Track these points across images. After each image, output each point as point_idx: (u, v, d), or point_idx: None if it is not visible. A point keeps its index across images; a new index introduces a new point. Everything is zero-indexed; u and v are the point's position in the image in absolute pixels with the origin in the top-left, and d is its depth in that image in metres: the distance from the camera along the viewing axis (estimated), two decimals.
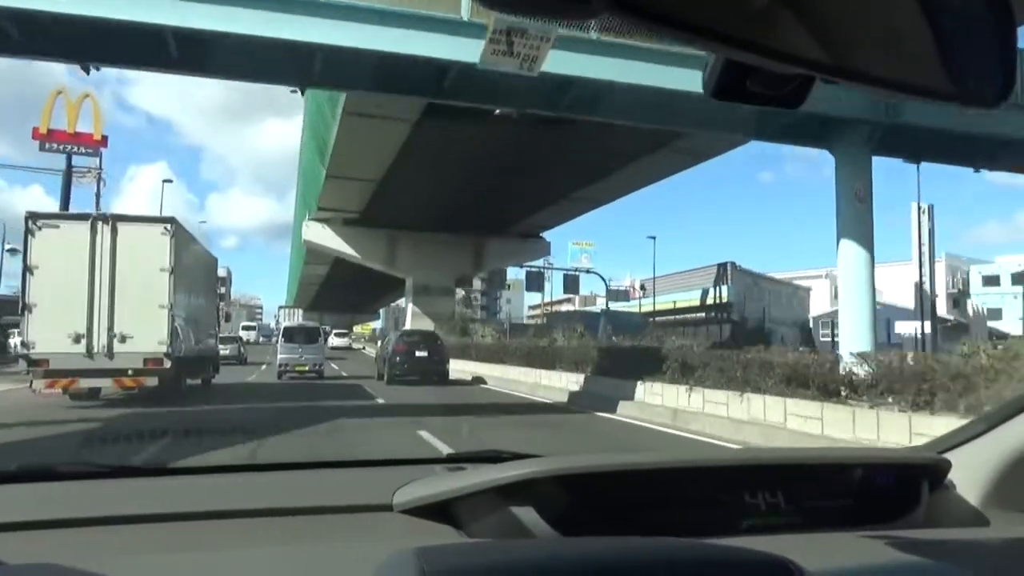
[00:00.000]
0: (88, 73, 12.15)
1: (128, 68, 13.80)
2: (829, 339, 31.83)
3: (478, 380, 21.40)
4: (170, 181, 60.48)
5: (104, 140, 27.46)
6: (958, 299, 55.26)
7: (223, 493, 1.51)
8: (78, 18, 10.09)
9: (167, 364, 12.21)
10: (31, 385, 12.03)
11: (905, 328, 35.17)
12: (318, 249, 33.29)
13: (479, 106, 13.35)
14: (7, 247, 29.54)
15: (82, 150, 27.08)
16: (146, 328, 12.07)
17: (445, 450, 5.68)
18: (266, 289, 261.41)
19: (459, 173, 22.64)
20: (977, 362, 7.71)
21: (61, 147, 26.39)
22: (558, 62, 10.92)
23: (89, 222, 12.31)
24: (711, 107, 11.13)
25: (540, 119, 14.78)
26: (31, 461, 1.66)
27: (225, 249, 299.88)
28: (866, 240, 13.64)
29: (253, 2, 10.56)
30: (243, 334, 46.69)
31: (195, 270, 14.90)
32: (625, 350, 15.55)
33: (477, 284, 61.05)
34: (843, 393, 9.06)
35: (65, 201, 25.82)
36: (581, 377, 15.55)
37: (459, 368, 22.81)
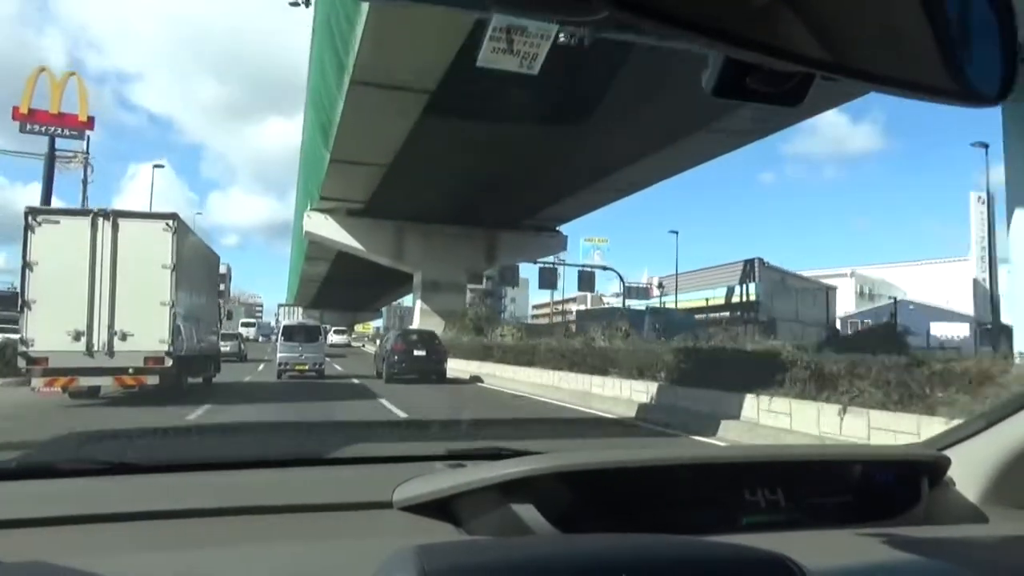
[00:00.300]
0: None
1: None
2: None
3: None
4: (161, 166, 60.09)
5: (90, 122, 26.23)
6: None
7: (223, 490, 1.51)
8: None
9: (168, 363, 12.14)
10: (30, 383, 11.94)
11: (941, 331, 33.66)
12: (320, 242, 31.94)
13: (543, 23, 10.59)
14: None
15: (66, 132, 25.82)
16: (147, 326, 12.00)
17: None
18: (266, 288, 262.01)
19: (476, 157, 20.90)
20: None
21: (43, 129, 25.16)
22: None
23: (90, 218, 12.22)
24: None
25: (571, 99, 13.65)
26: (30, 458, 1.66)
27: (226, 247, 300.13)
28: None
29: None
30: (242, 331, 46.71)
31: (197, 267, 14.80)
32: (713, 353, 12.22)
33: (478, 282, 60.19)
34: None
35: (47, 186, 24.73)
36: (648, 386, 12.74)
37: (481, 371, 21.55)
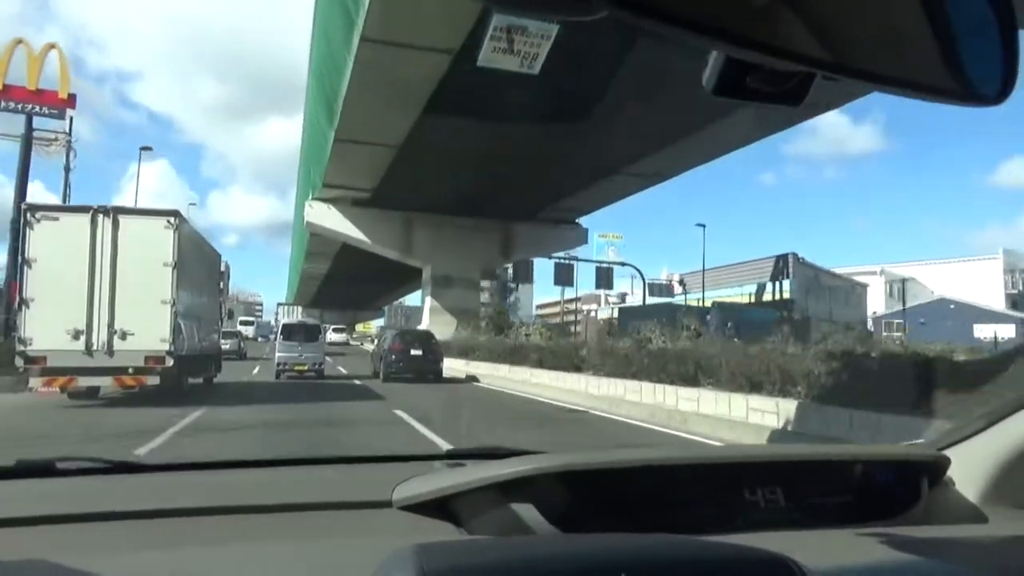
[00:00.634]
0: None
1: None
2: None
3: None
4: (149, 148, 52.94)
5: (72, 99, 24.03)
6: (1017, 300, 52.28)
7: (222, 489, 1.51)
8: None
9: (169, 362, 12.03)
10: (28, 383, 11.80)
11: (985, 332, 32.91)
12: (322, 234, 29.86)
13: None
14: None
15: (45, 110, 23.60)
16: (147, 325, 11.89)
17: None
18: (266, 288, 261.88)
19: (491, 142, 18.89)
20: None
21: (20, 106, 23.06)
22: None
23: (89, 214, 12.08)
24: None
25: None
26: (30, 456, 1.66)
27: (226, 246, 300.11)
28: None
29: None
30: (241, 329, 46.80)
31: (198, 265, 14.65)
32: (897, 362, 8.46)
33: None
34: None
35: (24, 170, 22.82)
36: (778, 404, 9.28)
37: (511, 377, 18.97)
